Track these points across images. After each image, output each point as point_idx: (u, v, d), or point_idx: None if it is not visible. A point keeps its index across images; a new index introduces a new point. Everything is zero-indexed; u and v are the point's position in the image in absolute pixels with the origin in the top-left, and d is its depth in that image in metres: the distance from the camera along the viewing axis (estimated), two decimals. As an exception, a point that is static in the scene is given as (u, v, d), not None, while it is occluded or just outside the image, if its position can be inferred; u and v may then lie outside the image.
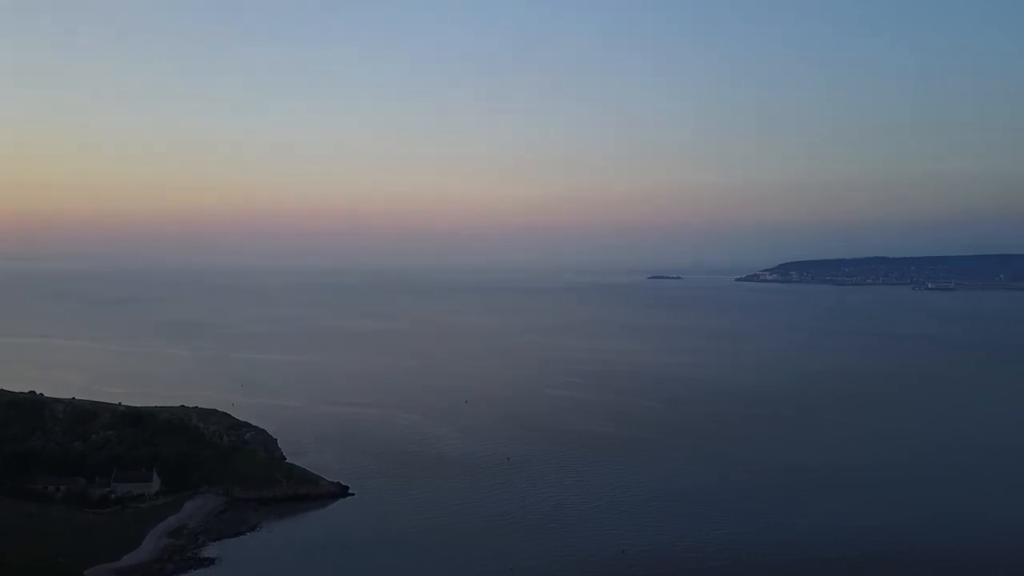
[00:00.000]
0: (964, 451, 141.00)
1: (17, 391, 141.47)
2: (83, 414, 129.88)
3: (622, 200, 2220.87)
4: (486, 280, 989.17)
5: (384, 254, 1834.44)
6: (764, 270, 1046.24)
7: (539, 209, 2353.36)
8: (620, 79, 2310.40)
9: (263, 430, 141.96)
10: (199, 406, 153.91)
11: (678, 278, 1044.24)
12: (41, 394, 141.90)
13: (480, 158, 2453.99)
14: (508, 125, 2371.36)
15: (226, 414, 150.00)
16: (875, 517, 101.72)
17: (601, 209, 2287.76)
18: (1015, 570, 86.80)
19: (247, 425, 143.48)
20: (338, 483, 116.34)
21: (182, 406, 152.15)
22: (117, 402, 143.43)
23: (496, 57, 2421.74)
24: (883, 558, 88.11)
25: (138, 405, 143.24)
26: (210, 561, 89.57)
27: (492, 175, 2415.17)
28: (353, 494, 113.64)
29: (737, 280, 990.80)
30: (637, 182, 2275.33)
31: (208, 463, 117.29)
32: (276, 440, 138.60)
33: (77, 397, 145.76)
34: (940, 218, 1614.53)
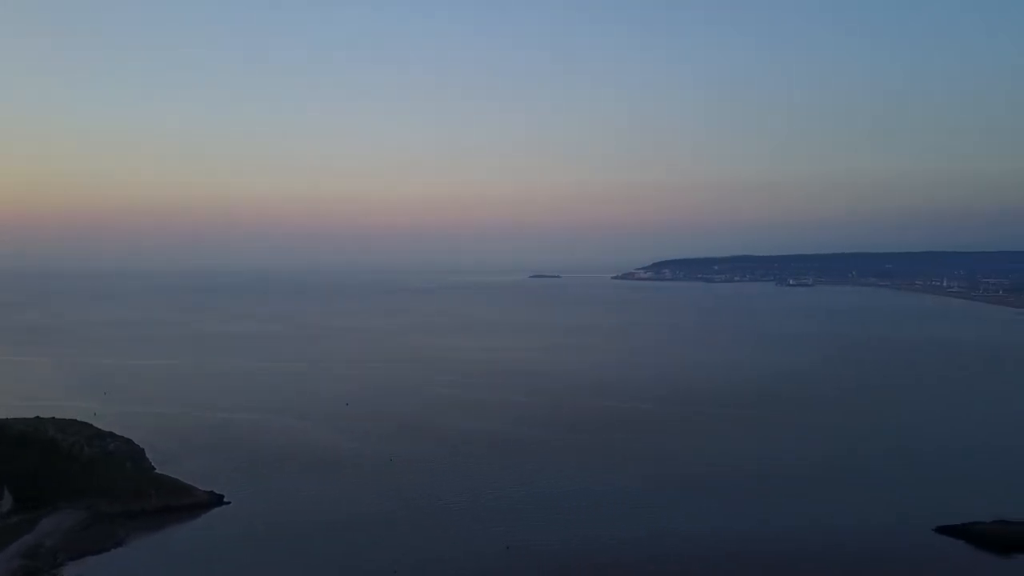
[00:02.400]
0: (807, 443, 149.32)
1: None
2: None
3: (503, 200, 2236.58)
4: (366, 281, 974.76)
5: (262, 254, 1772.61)
6: (639, 268, 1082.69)
7: (425, 209, 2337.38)
8: (508, 75, 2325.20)
9: (129, 439, 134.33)
10: (56, 416, 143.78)
11: (558, 277, 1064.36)
12: None
13: (366, 156, 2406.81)
14: (398, 123, 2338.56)
15: (87, 424, 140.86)
16: (753, 519, 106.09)
17: (483, 209, 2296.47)
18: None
19: (111, 435, 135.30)
20: (212, 491, 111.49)
21: (37, 417, 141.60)
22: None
23: (368, 57, 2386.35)
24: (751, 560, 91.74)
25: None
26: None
27: (381, 173, 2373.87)
28: (229, 502, 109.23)
29: (613, 278, 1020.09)
30: (521, 182, 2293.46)
31: (67, 477, 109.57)
32: (144, 450, 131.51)
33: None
34: (802, 219, 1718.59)
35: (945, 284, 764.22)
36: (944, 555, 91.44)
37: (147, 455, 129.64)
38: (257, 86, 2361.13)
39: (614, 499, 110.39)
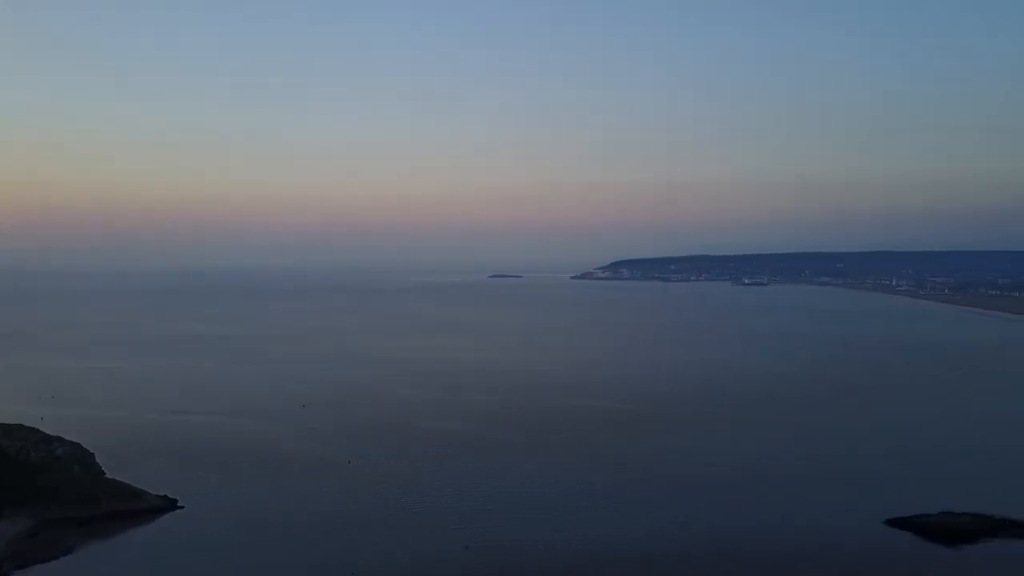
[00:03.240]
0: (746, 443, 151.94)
1: None
2: None
3: (464, 200, 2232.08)
4: (326, 280, 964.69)
5: (231, 253, 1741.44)
6: (597, 268, 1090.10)
7: (385, 209, 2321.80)
8: (469, 74, 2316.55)
9: (78, 444, 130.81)
10: (0, 422, 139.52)
11: (519, 276, 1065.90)
12: None
13: (326, 156, 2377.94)
14: (360, 124, 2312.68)
15: (34, 429, 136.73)
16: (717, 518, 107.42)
17: (444, 209, 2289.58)
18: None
19: (59, 439, 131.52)
20: (165, 496, 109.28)
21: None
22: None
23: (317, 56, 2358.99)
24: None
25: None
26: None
27: (341, 173, 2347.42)
28: (182, 507, 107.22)
29: (572, 278, 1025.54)
30: (482, 183, 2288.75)
31: (12, 483, 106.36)
32: (94, 454, 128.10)
33: None
34: (757, 220, 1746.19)
35: (894, 283, 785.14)
36: (892, 546, 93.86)
37: (97, 459, 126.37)
38: (221, 85, 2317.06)
39: (575, 498, 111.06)
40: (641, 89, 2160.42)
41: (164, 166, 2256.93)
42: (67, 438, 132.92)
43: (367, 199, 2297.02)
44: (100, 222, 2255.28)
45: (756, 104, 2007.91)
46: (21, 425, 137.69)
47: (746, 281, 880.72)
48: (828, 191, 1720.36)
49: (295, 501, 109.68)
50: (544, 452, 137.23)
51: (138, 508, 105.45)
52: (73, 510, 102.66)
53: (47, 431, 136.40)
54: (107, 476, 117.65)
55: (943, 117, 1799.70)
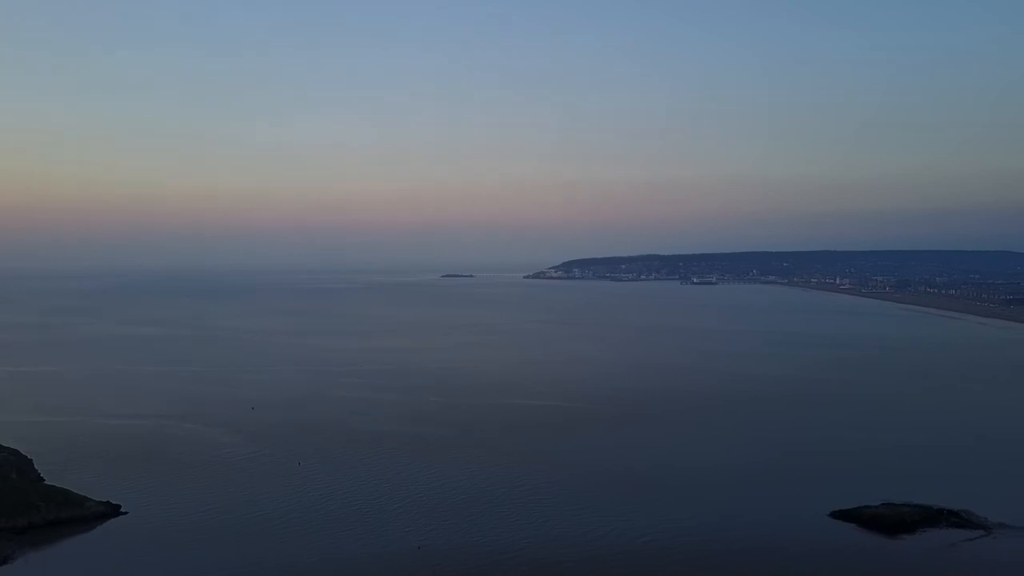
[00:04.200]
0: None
1: None
2: None
3: (416, 199, 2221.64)
4: (276, 280, 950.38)
5: (179, 253, 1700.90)
6: (550, 267, 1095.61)
7: (336, 208, 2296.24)
8: (417, 76, 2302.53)
9: (15, 450, 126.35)
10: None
11: (471, 276, 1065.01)
12: None
13: (277, 155, 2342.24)
14: (312, 122, 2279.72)
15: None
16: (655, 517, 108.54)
17: (396, 208, 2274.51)
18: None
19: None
20: (108, 502, 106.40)
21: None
22: None
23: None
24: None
25: None
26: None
27: (292, 172, 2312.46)
28: (126, 512, 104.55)
29: (525, 277, 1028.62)
30: (434, 182, 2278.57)
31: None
32: (32, 460, 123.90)
33: None
34: (705, 219, 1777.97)
35: (837, 281, 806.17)
36: (835, 537, 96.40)
37: (35, 465, 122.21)
38: (160, 81, 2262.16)
39: (525, 497, 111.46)
40: (593, 90, 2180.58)
41: (97, 164, 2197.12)
42: (4, 444, 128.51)
43: (316, 200, 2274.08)
44: (35, 222, 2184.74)
45: (707, 107, 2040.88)
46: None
47: (695, 280, 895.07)
48: (775, 193, 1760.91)
49: (243, 505, 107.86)
50: (493, 451, 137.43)
51: (79, 515, 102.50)
52: (10, 518, 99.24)
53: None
54: (47, 483, 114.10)
55: (882, 122, 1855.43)
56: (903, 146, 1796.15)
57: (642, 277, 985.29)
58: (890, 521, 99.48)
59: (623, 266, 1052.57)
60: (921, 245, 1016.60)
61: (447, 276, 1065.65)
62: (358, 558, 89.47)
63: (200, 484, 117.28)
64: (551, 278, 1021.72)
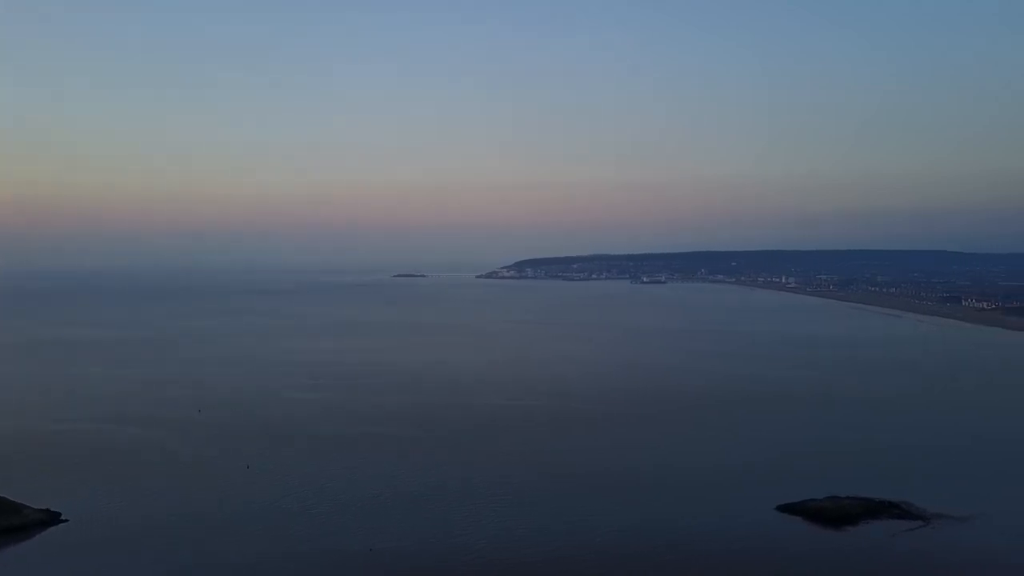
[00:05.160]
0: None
1: None
2: None
3: (369, 199, 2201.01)
4: (222, 282, 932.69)
5: (127, 253, 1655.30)
6: (502, 267, 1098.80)
7: (287, 207, 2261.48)
8: (368, 77, 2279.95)
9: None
10: None
11: (423, 276, 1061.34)
12: None
13: (223, 154, 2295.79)
14: (260, 119, 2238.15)
15: None
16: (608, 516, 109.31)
17: (347, 208, 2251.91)
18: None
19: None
20: (47, 510, 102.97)
21: None
22: None
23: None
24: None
25: None
26: None
27: (241, 170, 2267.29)
28: (66, 520, 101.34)
29: (478, 277, 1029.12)
30: (386, 181, 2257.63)
31: None
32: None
33: None
34: (655, 220, 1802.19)
35: (784, 280, 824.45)
36: (781, 530, 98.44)
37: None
38: (80, 82, 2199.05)
39: (478, 497, 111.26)
40: (541, 90, 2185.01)
41: (46, 164, 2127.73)
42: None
43: (269, 199, 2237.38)
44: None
45: (653, 108, 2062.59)
46: None
47: (644, 280, 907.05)
48: (724, 193, 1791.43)
49: (190, 509, 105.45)
50: (444, 451, 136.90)
51: (16, 524, 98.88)
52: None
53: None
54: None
55: (823, 123, 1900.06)
56: (841, 149, 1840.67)
57: (593, 277, 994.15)
58: (835, 514, 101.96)
59: (575, 266, 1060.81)
60: (863, 245, 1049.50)
61: (399, 276, 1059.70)
62: (310, 560, 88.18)
63: (143, 489, 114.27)
64: (503, 278, 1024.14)
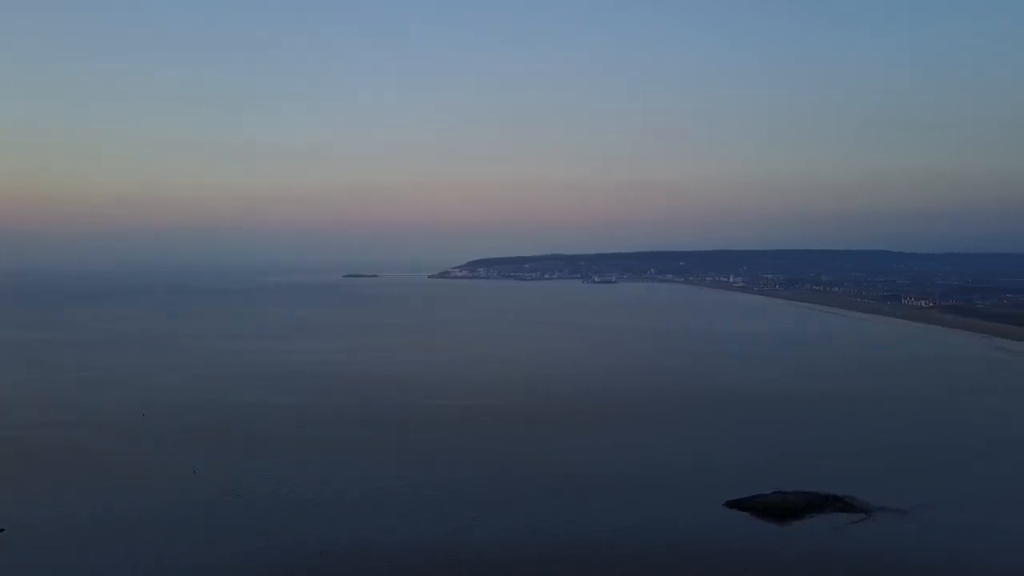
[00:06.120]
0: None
1: None
2: None
3: (318, 198, 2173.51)
4: (165, 281, 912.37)
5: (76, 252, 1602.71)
6: (455, 267, 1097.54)
7: (234, 206, 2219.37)
8: (323, 75, 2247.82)
9: None
10: None
11: (375, 276, 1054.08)
12: None
13: (175, 152, 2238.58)
14: (214, 118, 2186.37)
15: None
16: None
17: (297, 207, 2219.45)
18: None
19: None
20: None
21: None
22: None
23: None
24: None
25: None
26: None
27: (187, 167, 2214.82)
28: (2, 529, 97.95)
29: (430, 277, 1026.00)
30: (336, 180, 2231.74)
31: None
32: None
33: None
34: (606, 219, 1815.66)
35: (731, 280, 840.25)
36: (729, 525, 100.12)
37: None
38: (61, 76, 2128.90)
39: (430, 497, 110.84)
40: (491, 87, 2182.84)
41: (30, 164, 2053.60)
42: None
43: (215, 198, 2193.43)
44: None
45: (603, 108, 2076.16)
46: None
47: (596, 279, 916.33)
48: (672, 193, 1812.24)
49: (134, 515, 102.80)
50: (394, 452, 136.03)
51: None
52: None
53: None
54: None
55: (766, 123, 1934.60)
56: (786, 150, 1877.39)
57: (545, 276, 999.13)
58: (781, 508, 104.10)
59: (527, 265, 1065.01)
60: (808, 245, 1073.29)
61: (350, 276, 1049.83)
62: (260, 565, 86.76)
63: (87, 497, 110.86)
64: (456, 277, 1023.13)
